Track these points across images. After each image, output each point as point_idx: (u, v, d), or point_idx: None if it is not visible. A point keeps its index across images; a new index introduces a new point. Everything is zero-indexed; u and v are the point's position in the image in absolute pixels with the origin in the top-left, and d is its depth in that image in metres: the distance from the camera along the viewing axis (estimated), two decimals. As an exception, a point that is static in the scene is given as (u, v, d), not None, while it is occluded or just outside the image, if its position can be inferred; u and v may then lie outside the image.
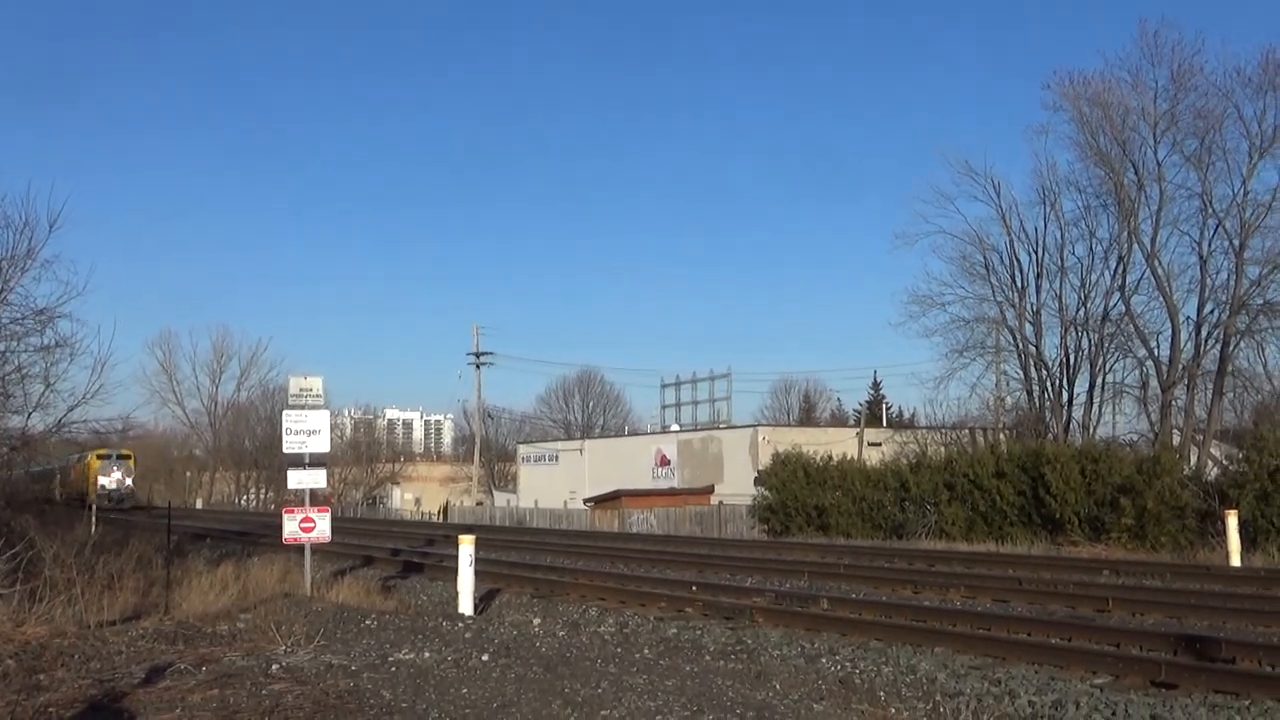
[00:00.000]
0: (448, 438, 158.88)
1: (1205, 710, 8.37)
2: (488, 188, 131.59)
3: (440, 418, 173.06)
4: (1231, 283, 34.47)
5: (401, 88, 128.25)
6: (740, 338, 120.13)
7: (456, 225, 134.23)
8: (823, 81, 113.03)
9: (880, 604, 14.93)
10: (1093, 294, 38.25)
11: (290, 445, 16.75)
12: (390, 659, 10.32)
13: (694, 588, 17.22)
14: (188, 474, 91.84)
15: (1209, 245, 35.61)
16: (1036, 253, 39.44)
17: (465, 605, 14.74)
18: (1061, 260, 38.98)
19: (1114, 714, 8.38)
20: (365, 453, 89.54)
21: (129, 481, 66.15)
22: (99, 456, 63.00)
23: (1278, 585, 16.50)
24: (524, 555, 25.73)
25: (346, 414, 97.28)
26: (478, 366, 64.50)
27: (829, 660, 10.80)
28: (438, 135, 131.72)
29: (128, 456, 66.54)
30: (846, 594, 16.29)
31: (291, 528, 16.45)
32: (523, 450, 74.57)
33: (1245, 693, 8.87)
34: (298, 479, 16.78)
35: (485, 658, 10.29)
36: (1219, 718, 8.19)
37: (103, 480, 63.36)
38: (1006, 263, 39.98)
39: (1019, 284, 39.51)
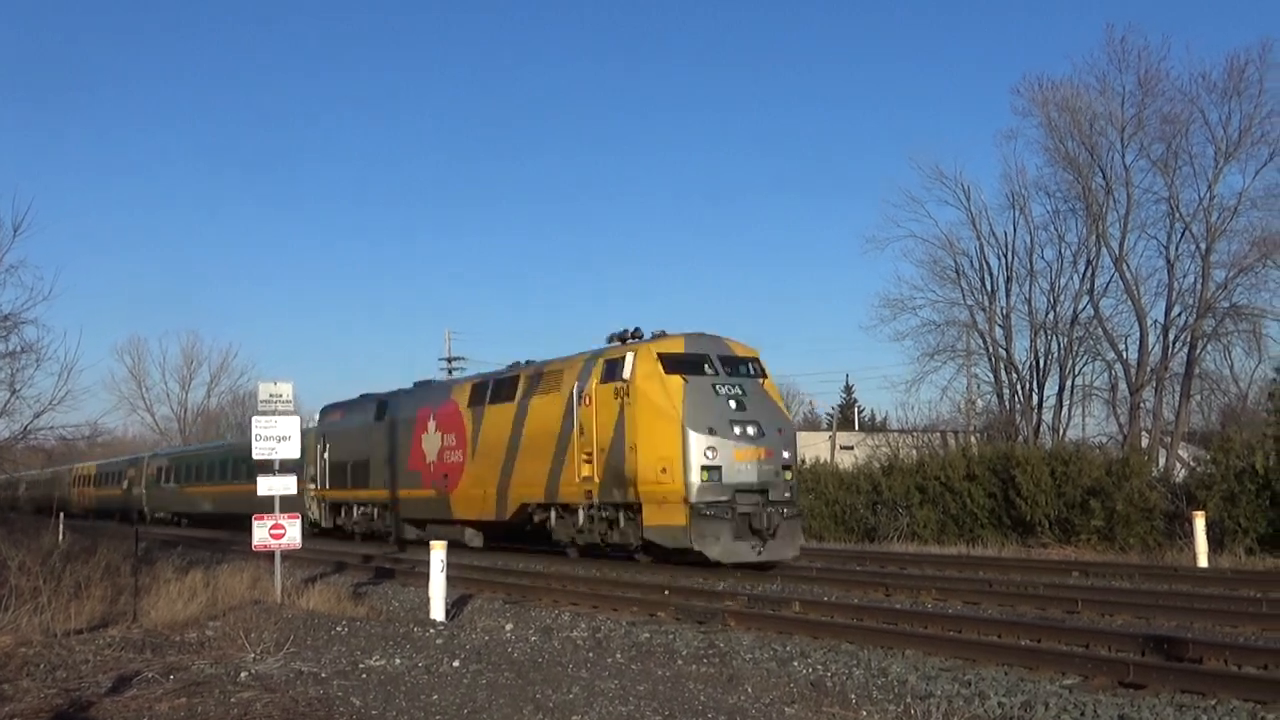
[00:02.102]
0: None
1: (1172, 710, 8.44)
2: (459, 191, 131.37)
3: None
4: (1198, 286, 34.86)
5: (369, 90, 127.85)
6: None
7: (428, 229, 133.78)
8: (795, 84, 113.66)
9: (852, 607, 14.97)
10: (1062, 297, 38.63)
11: (260, 451, 16.64)
12: (361, 666, 10.27)
13: (666, 591, 17.21)
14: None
15: (1176, 249, 36.04)
16: (1006, 257, 39.77)
17: (437, 611, 14.68)
18: (1031, 264, 39.32)
19: (1082, 714, 8.44)
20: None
21: (787, 457, 20.17)
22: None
23: (1244, 585, 16.66)
24: (497, 559, 25.62)
25: (317, 419, 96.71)
26: (450, 372, 64.22)
27: (801, 663, 10.82)
28: (410, 138, 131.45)
29: (752, 364, 21.50)
30: (819, 597, 16.33)
31: (261, 534, 16.32)
32: (496, 455, 74.08)
33: (1212, 692, 8.95)
34: (268, 485, 16.68)
35: (456, 664, 10.25)
36: (1186, 717, 8.26)
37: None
38: (976, 266, 40.29)
39: (989, 288, 39.84)
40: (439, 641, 11.71)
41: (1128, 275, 36.52)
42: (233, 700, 8.71)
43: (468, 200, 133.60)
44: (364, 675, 9.81)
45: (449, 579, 15.40)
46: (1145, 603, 14.47)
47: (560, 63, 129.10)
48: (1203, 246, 35.06)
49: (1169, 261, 36.02)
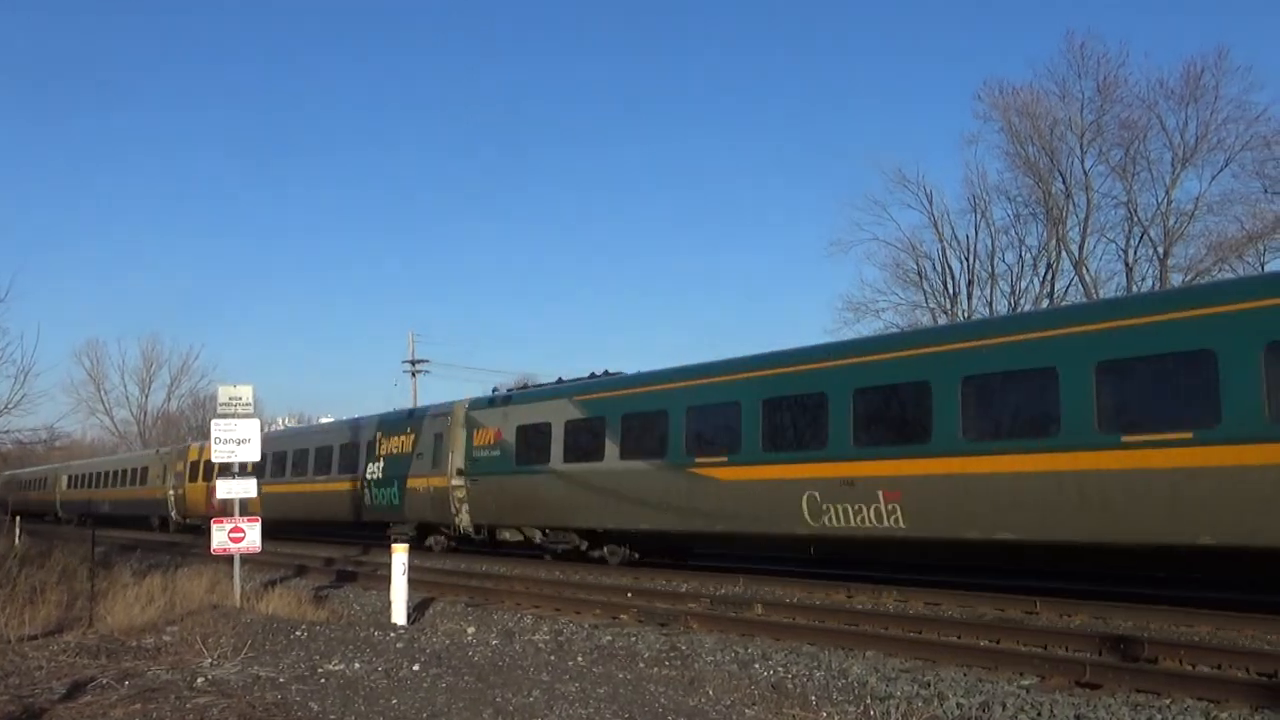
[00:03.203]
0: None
1: (1128, 709, 8.53)
2: (423, 193, 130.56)
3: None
4: (1156, 289, 35.31)
5: (326, 88, 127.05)
6: (678, 343, 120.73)
7: (391, 230, 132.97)
8: (764, 83, 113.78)
9: (814, 608, 15.04)
10: (1023, 301, 39.03)
11: (219, 455, 16.52)
12: (320, 670, 10.19)
13: (629, 594, 17.22)
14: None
15: (1134, 253, 36.58)
16: (968, 260, 40.20)
17: (398, 615, 14.60)
18: (992, 267, 39.79)
19: (1039, 714, 8.51)
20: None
21: None
22: None
23: (1199, 585, 16.83)
24: (460, 562, 25.53)
25: (280, 422, 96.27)
26: (414, 374, 63.89)
27: (762, 665, 10.85)
28: (367, 137, 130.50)
29: None
30: (781, 598, 16.38)
31: (220, 538, 16.19)
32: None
33: (1166, 691, 9.06)
34: (227, 488, 16.55)
35: (416, 668, 10.20)
36: (1140, 716, 8.34)
37: None
38: (939, 270, 40.71)
39: (951, 291, 40.26)
40: (399, 645, 11.64)
41: (1087, 278, 36.98)
42: (188, 706, 8.62)
43: (443, 201, 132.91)
44: (323, 680, 9.73)
45: (411, 582, 15.32)
46: (1103, 602, 14.58)
47: (536, 63, 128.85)
48: (1160, 250, 35.58)
49: (1128, 265, 36.54)
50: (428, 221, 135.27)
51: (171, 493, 43.19)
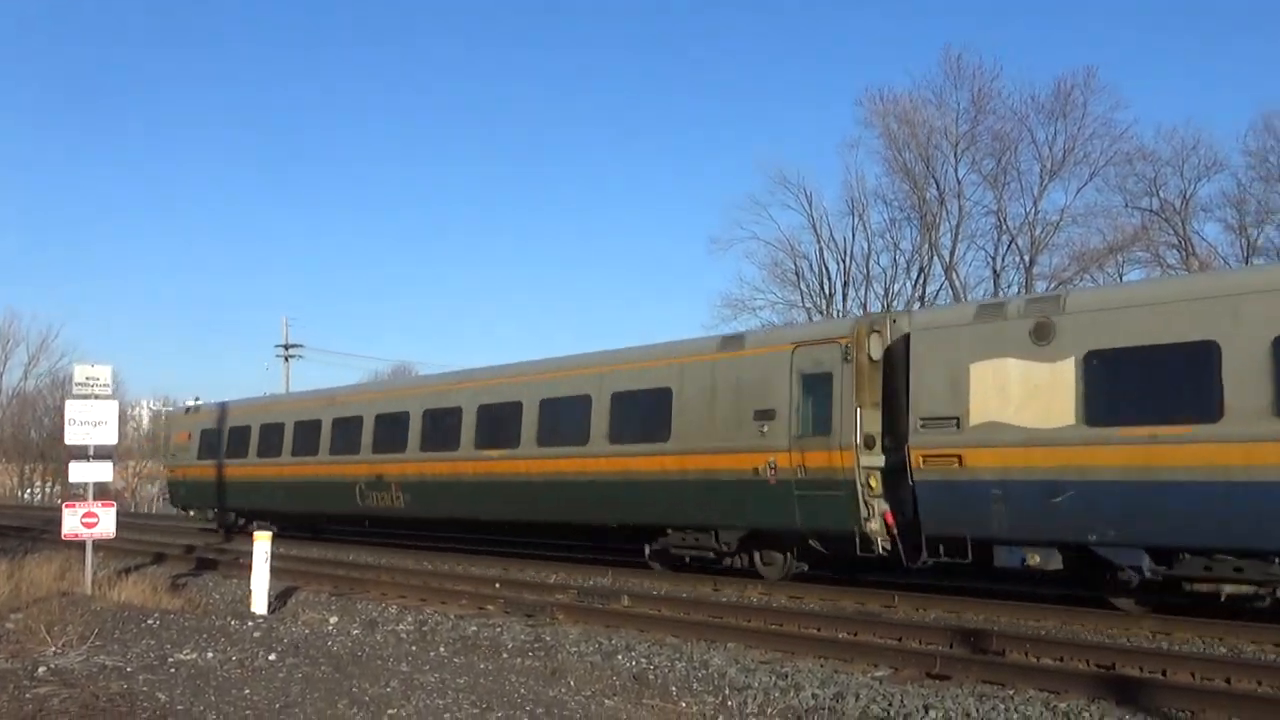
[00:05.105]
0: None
1: (974, 700, 8.81)
2: (298, 177, 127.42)
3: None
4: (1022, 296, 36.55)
5: (210, 71, 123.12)
6: (556, 336, 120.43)
7: (265, 213, 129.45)
8: (643, 86, 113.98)
9: (679, 600, 15.17)
10: (895, 303, 40.04)
11: (74, 437, 15.91)
12: (170, 660, 9.91)
13: (497, 584, 17.14)
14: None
15: (1002, 260, 37.85)
16: (844, 261, 41.08)
17: (258, 604, 14.27)
18: (867, 269, 40.74)
19: (890, 704, 8.74)
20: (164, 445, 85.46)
21: None
22: None
23: (1046, 583, 17.46)
24: (327, 551, 25.08)
25: (145, 405, 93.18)
26: (286, 359, 62.45)
27: (625, 656, 10.90)
28: (246, 123, 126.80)
29: None
30: (648, 591, 16.49)
31: (72, 523, 15.62)
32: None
33: (1011, 683, 9.39)
34: (81, 472, 15.95)
35: (273, 657, 9.99)
36: (985, 706, 8.63)
37: None
38: (816, 270, 41.47)
39: (827, 291, 41.09)
40: (256, 635, 11.39)
41: (957, 283, 38.10)
42: (27, 696, 8.29)
43: (294, 190, 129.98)
44: (173, 669, 9.46)
45: (275, 570, 15.01)
46: (958, 597, 15.02)
47: (422, 53, 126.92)
48: (1027, 259, 36.90)
49: (995, 272, 37.79)
50: (306, 206, 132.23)
51: None
